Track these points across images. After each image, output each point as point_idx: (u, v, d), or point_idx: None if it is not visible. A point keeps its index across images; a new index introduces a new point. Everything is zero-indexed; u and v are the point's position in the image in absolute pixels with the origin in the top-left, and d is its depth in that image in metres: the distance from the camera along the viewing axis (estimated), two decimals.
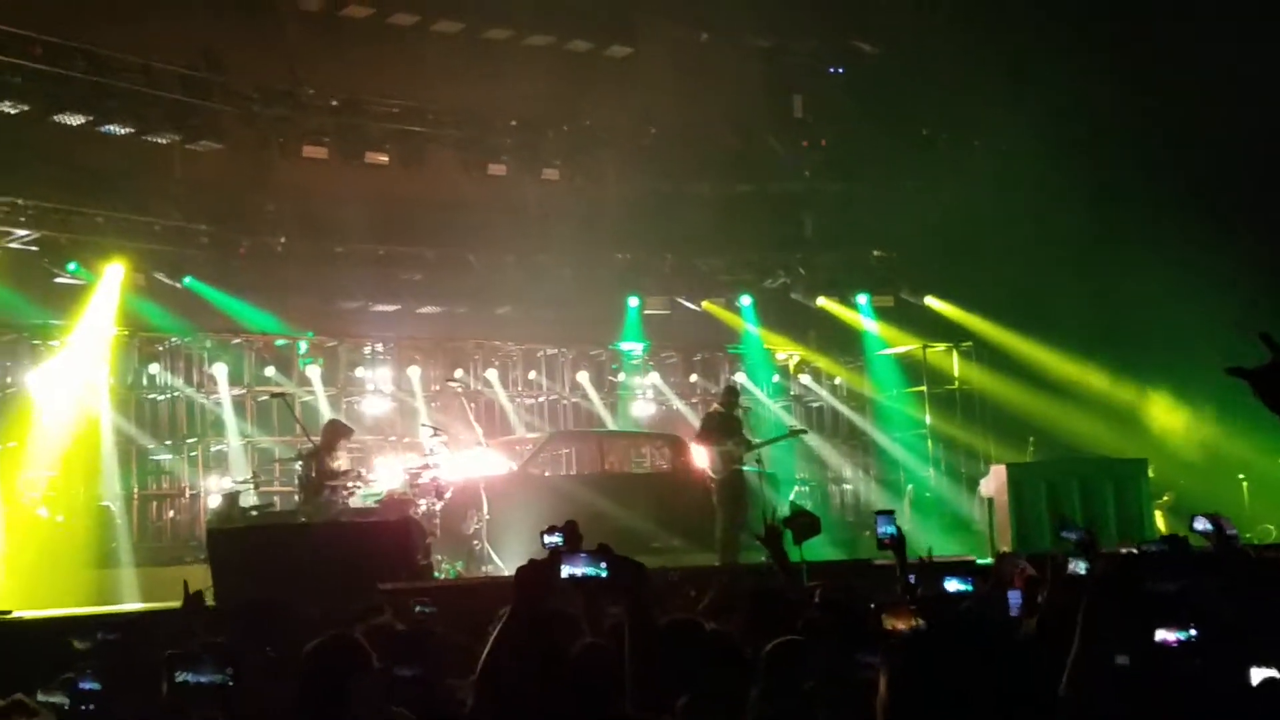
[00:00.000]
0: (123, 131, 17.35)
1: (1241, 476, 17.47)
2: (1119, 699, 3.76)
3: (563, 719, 3.33)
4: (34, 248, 16.84)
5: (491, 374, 19.71)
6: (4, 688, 4.90)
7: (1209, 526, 6.67)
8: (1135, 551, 7.21)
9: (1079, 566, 5.60)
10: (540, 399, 20.47)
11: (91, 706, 4.75)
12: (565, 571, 3.98)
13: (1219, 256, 17.40)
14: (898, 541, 6.67)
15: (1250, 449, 17.87)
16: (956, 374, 21.15)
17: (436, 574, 12.35)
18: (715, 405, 15.22)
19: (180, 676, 4.44)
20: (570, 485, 15.16)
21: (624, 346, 21.06)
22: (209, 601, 9.72)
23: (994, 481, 15.18)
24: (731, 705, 4.25)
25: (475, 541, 13.61)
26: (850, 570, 10.96)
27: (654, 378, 21.07)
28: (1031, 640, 4.71)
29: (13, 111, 16.26)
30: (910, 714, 2.09)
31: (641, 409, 21.07)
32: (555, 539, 4.26)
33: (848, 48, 23.43)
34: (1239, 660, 4.00)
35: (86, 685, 4.86)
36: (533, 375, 20.39)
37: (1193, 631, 4.05)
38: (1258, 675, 3.96)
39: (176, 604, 10.15)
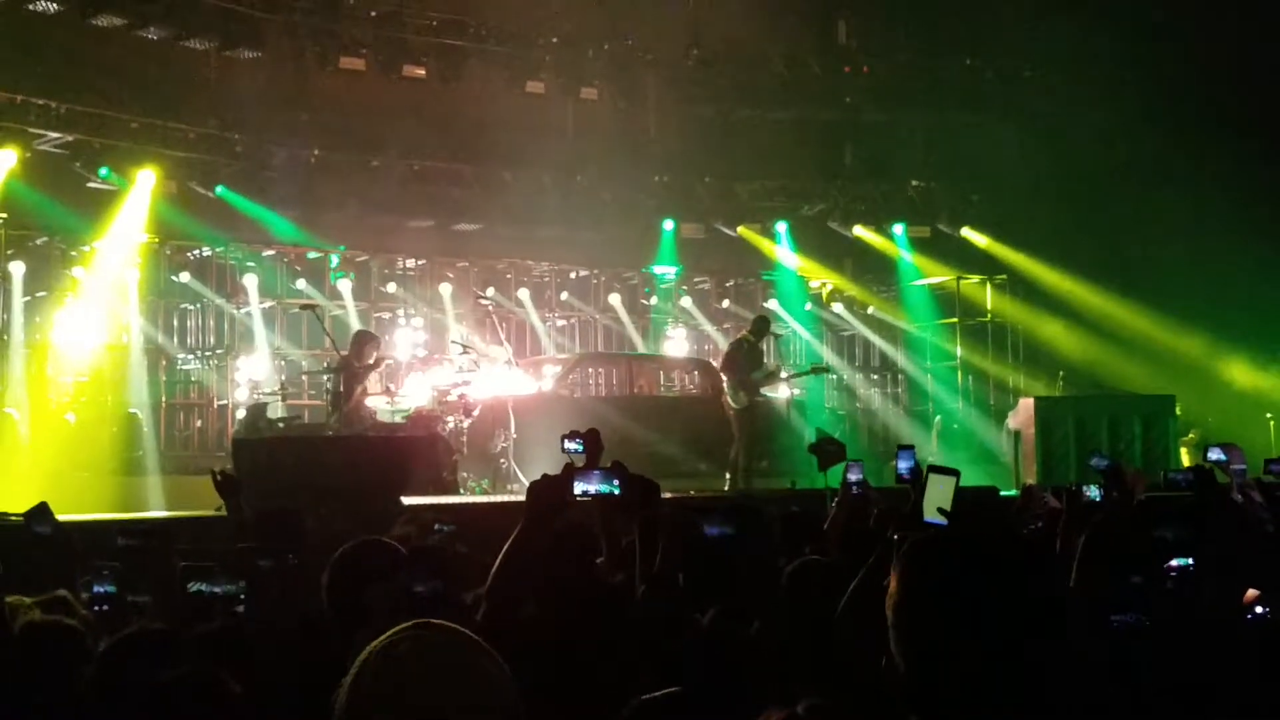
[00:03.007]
0: (160, 36, 17.24)
1: (1269, 415, 17.36)
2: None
3: (569, 631, 3.29)
4: (66, 151, 16.76)
5: (524, 294, 19.64)
6: (24, 591, 4.90)
7: (1223, 456, 6.87)
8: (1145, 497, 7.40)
9: (1093, 493, 5.73)
10: (572, 320, 20.40)
11: (106, 608, 4.76)
12: (579, 488, 3.94)
13: (1265, 202, 17.13)
14: (916, 476, 6.68)
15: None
16: (990, 307, 21.03)
17: (462, 491, 12.36)
18: (744, 333, 15.13)
19: (194, 586, 4.46)
20: (599, 407, 15.12)
21: (657, 270, 20.94)
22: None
23: (1022, 415, 15.20)
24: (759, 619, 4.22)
25: (502, 460, 13.61)
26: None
27: (687, 302, 20.96)
28: (1046, 555, 4.80)
29: (49, 11, 16.15)
30: (920, 611, 2.03)
31: (673, 333, 21.00)
32: (575, 445, 4.21)
33: None
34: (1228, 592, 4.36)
35: (101, 589, 4.87)
36: (565, 296, 20.30)
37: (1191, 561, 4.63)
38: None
39: (202, 512, 10.27)
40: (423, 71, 19.73)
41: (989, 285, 21.09)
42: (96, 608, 4.82)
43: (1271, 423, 17.34)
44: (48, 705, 3.63)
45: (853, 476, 6.70)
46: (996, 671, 2.00)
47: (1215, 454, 7.68)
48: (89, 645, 3.87)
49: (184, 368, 17.68)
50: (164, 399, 17.01)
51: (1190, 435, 17.12)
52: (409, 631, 2.11)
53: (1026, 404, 15.33)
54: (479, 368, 14.20)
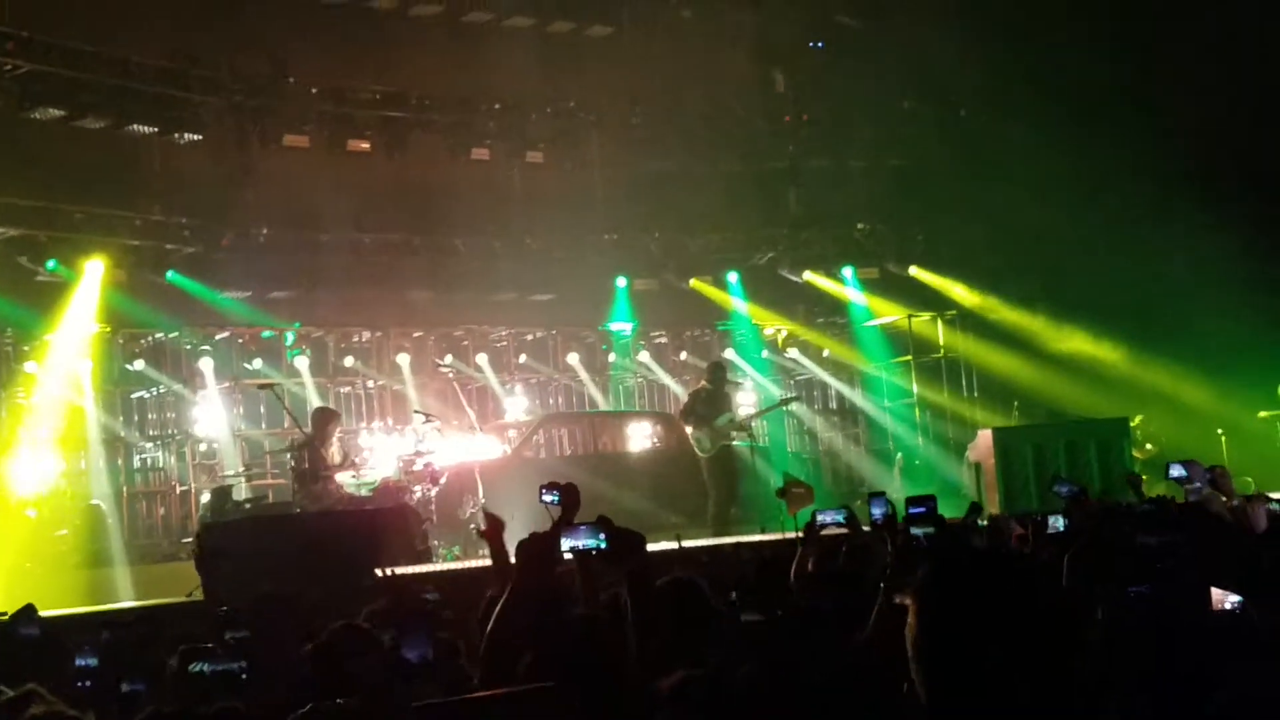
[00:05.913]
0: (100, 125, 17.24)
1: (1220, 431, 17.54)
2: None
3: (568, 687, 3.31)
4: (12, 246, 16.70)
5: (482, 359, 19.66)
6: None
7: (1183, 472, 6.98)
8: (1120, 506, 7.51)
9: (1058, 524, 5.81)
10: (532, 382, 20.44)
11: (88, 683, 4.72)
12: (566, 544, 3.96)
13: (1204, 214, 17.39)
14: (890, 521, 6.73)
15: (1228, 405, 17.96)
16: (941, 342, 21.23)
17: (435, 559, 12.32)
18: (702, 382, 15.22)
19: (195, 667, 4.47)
20: (564, 467, 15.11)
21: (613, 327, 21.03)
22: (198, 596, 9.73)
23: (981, 446, 15.19)
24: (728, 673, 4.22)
25: (471, 526, 13.57)
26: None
27: (644, 357, 21.05)
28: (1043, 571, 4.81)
29: None
30: (940, 641, 2.04)
31: (632, 389, 21.07)
32: (552, 496, 4.23)
33: (829, 22, 23.36)
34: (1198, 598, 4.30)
35: (83, 661, 4.84)
36: (523, 359, 20.35)
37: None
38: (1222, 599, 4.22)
39: (175, 599, 10.19)
40: (367, 145, 19.82)
41: (939, 321, 21.32)
42: (79, 683, 4.79)
43: (1223, 438, 17.51)
44: None
45: (861, 512, 6.72)
46: (1022, 688, 2.01)
47: (1176, 470, 7.85)
48: None
49: (144, 455, 17.55)
50: (125, 488, 16.87)
51: (1148, 447, 17.32)
52: None
53: (985, 435, 15.33)
54: (442, 436, 14.20)
